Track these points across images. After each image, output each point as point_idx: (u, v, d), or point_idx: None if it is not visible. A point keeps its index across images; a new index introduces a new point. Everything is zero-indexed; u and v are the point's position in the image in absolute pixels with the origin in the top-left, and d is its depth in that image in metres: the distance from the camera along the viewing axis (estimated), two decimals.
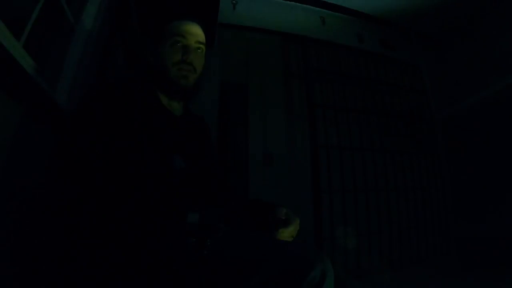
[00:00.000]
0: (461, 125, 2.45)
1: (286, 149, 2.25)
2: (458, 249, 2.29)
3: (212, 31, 1.97)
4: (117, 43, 1.73)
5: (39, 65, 0.89)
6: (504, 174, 2.09)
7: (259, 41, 2.42)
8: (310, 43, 2.37)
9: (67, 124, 0.70)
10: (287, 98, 2.39)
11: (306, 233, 1.93)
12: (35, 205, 0.85)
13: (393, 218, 2.22)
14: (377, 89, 2.51)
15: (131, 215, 0.62)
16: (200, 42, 0.85)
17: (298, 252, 0.62)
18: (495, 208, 2.12)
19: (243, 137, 2.22)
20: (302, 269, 0.57)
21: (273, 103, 2.33)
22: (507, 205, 2.04)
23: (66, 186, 0.61)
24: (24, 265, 0.80)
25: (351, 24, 2.56)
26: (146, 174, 0.68)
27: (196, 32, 0.85)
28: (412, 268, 2.14)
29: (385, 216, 2.20)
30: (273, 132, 2.26)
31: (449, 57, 2.70)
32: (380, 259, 2.10)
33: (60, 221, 0.60)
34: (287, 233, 0.74)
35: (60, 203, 0.60)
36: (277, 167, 2.18)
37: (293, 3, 2.44)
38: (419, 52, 2.74)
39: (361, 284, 1.97)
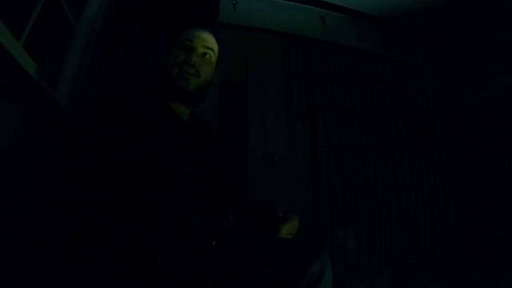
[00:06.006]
0: (461, 125, 2.45)
1: (286, 149, 2.25)
2: (458, 249, 2.29)
3: (213, 31, 1.97)
4: (117, 43, 1.73)
5: (39, 65, 0.89)
6: (505, 174, 2.09)
7: (259, 41, 2.42)
8: (310, 43, 2.38)
9: (75, 124, 0.71)
10: (287, 98, 2.39)
11: (306, 233, 1.94)
12: (39, 204, 0.85)
13: (393, 218, 2.22)
14: (377, 89, 2.51)
15: (139, 215, 0.63)
16: (207, 47, 0.84)
17: (298, 249, 0.64)
18: (496, 208, 2.12)
19: (243, 137, 2.23)
20: (302, 265, 0.60)
21: (273, 103, 2.33)
22: (508, 204, 2.04)
23: (74, 187, 0.62)
24: (25, 265, 0.80)
25: (351, 24, 2.56)
26: (154, 175, 0.69)
27: (204, 37, 0.85)
28: (412, 268, 2.14)
29: (385, 216, 2.20)
30: (273, 132, 2.26)
31: (449, 57, 2.70)
32: (380, 259, 2.10)
33: (65, 222, 0.61)
34: (286, 230, 0.75)
35: (67, 204, 0.61)
36: (277, 167, 2.18)
37: (293, 3, 2.44)
38: (419, 52, 2.74)
39: (361, 284, 1.97)
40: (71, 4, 1.19)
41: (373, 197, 2.22)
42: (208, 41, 0.85)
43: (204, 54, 0.84)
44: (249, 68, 2.36)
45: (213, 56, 0.86)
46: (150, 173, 0.69)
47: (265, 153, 2.19)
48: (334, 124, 2.25)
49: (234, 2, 2.30)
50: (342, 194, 2.14)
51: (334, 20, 2.52)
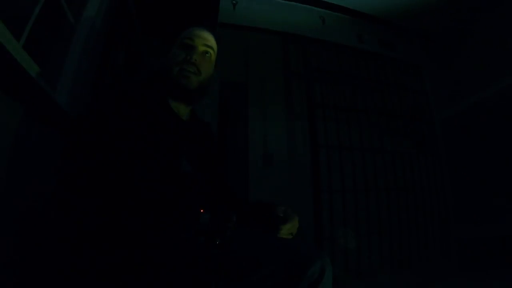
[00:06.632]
0: (461, 125, 2.45)
1: (286, 149, 2.25)
2: (458, 249, 2.29)
3: (213, 31, 1.97)
4: (117, 43, 1.73)
5: (39, 65, 0.89)
6: (505, 174, 2.09)
7: (259, 41, 2.42)
8: (310, 43, 2.37)
9: (77, 125, 0.71)
10: (287, 98, 2.39)
11: (306, 233, 1.94)
12: (39, 204, 0.85)
13: (393, 218, 2.22)
14: (377, 89, 2.51)
15: (142, 216, 0.63)
16: (207, 46, 0.85)
17: (298, 249, 0.64)
18: (495, 208, 2.12)
19: (243, 136, 2.23)
20: (302, 265, 0.59)
21: (273, 103, 2.33)
22: (507, 205, 2.04)
23: (74, 187, 0.62)
24: (26, 265, 0.80)
25: (351, 24, 2.56)
26: (154, 175, 0.69)
27: (204, 36, 0.85)
28: (412, 268, 2.14)
29: (385, 216, 2.20)
30: (273, 132, 2.26)
31: (449, 57, 2.70)
32: (380, 259, 2.10)
33: (66, 222, 0.61)
34: (286, 230, 0.75)
35: (68, 204, 0.61)
36: (277, 167, 2.18)
37: (293, 3, 2.44)
38: (419, 52, 2.74)
39: (361, 284, 1.97)
40: (71, 4, 1.19)
41: (373, 197, 2.22)
42: (208, 39, 0.86)
43: (204, 52, 0.84)
44: (249, 68, 2.36)
45: (213, 54, 0.87)
46: (150, 174, 0.69)
47: (265, 153, 2.19)
48: (334, 124, 2.24)
49: (234, 2, 2.29)
50: (342, 194, 2.14)
51: (334, 20, 2.52)
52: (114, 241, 0.59)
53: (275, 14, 2.41)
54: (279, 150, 2.23)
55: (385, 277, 2.04)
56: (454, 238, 2.33)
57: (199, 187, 0.80)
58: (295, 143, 2.28)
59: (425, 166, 2.42)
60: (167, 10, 2.05)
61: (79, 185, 0.62)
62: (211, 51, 0.86)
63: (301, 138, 2.29)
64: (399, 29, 2.66)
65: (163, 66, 0.84)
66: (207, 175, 0.85)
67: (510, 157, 2.06)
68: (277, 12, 2.42)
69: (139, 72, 2.14)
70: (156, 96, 0.81)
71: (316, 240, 1.93)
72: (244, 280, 0.59)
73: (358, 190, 2.20)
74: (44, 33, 1.08)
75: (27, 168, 0.83)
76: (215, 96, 2.10)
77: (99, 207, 0.61)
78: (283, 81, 2.41)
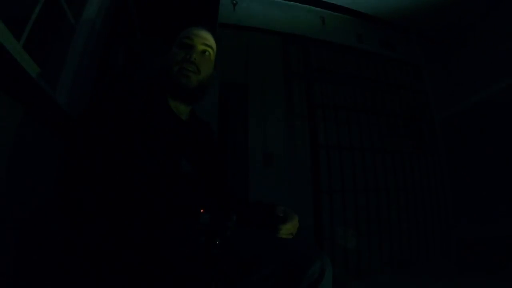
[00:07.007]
0: (461, 125, 2.45)
1: (286, 149, 2.25)
2: (458, 249, 2.29)
3: (212, 31, 1.97)
4: (117, 43, 1.73)
5: (39, 65, 0.89)
6: (504, 174, 2.09)
7: (259, 41, 2.42)
8: (310, 43, 2.38)
9: (76, 125, 0.71)
10: (287, 98, 2.39)
11: (306, 233, 1.94)
12: (39, 206, 0.85)
13: (393, 218, 2.22)
14: (377, 89, 2.51)
15: (142, 216, 0.64)
16: (207, 45, 0.85)
17: (298, 249, 0.64)
18: (495, 208, 2.12)
19: (243, 137, 2.23)
20: (302, 265, 0.59)
21: (273, 103, 2.33)
22: (507, 205, 2.04)
23: (74, 187, 0.62)
24: (25, 266, 0.80)
25: (351, 24, 2.56)
26: (153, 176, 0.69)
27: (203, 35, 0.86)
28: (412, 269, 2.14)
29: (385, 216, 2.20)
30: (273, 132, 2.26)
31: (450, 57, 2.70)
32: (380, 259, 2.10)
33: (67, 222, 0.61)
34: (286, 230, 0.75)
35: (68, 204, 0.61)
36: (277, 167, 2.18)
37: (293, 3, 2.44)
38: (419, 52, 2.74)
39: (361, 284, 1.97)
40: (71, 4, 1.19)
41: (373, 197, 2.22)
42: (207, 39, 0.86)
43: (204, 51, 0.85)
44: (249, 68, 2.36)
45: (212, 53, 0.87)
46: (149, 174, 0.69)
47: (265, 153, 2.19)
48: (334, 124, 2.25)
49: (234, 2, 2.29)
50: (342, 194, 2.14)
51: (334, 20, 2.52)
52: (114, 241, 0.59)
53: (275, 14, 2.41)
54: (279, 150, 2.23)
55: (385, 277, 2.04)
56: (454, 238, 2.33)
57: (199, 187, 0.80)
58: (295, 143, 2.28)
59: (425, 166, 2.42)
60: (167, 10, 2.05)
61: (79, 186, 0.62)
62: (210, 50, 0.86)
63: (301, 138, 2.29)
64: (399, 29, 2.66)
65: (163, 66, 0.84)
66: (207, 175, 0.85)
67: (510, 157, 2.06)
68: (277, 12, 2.42)
69: (139, 72, 2.14)
70: (155, 95, 0.81)
71: (316, 240, 1.93)
72: (244, 280, 0.59)
73: (358, 190, 2.20)
74: (44, 33, 1.08)
75: (27, 168, 0.83)
76: (215, 96, 2.10)
77: (99, 207, 0.61)
78: (283, 81, 2.41)
